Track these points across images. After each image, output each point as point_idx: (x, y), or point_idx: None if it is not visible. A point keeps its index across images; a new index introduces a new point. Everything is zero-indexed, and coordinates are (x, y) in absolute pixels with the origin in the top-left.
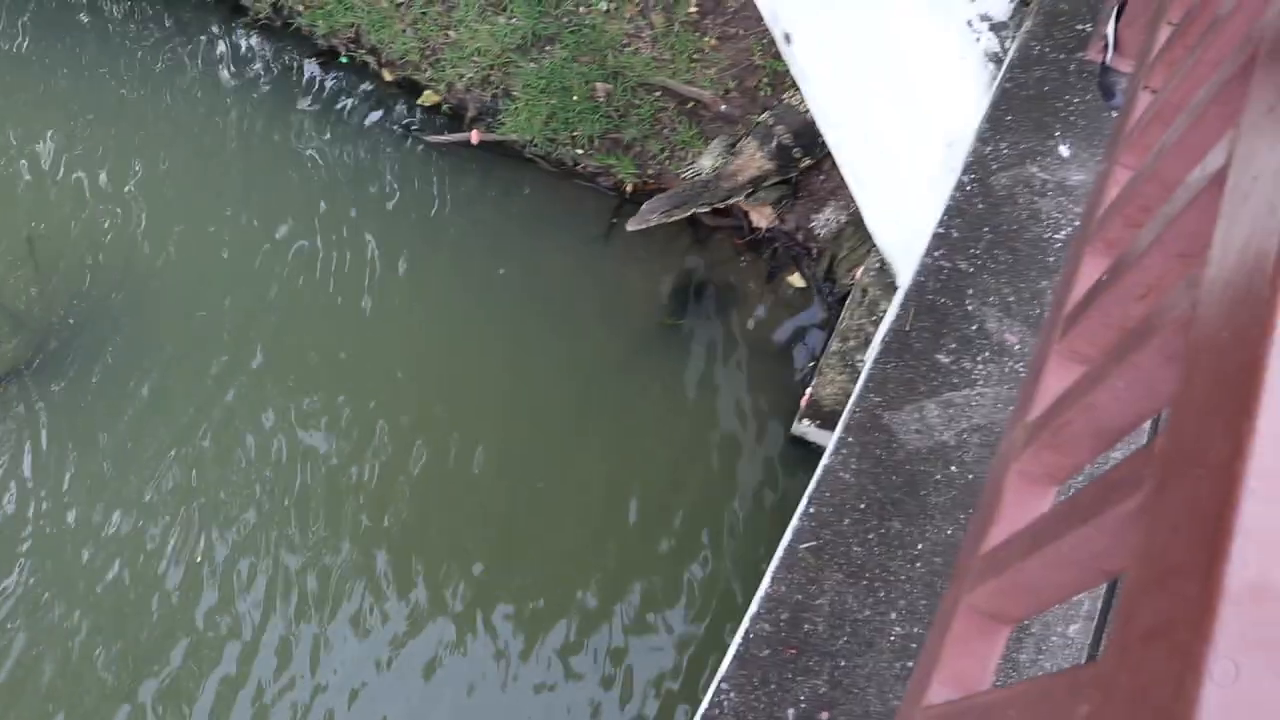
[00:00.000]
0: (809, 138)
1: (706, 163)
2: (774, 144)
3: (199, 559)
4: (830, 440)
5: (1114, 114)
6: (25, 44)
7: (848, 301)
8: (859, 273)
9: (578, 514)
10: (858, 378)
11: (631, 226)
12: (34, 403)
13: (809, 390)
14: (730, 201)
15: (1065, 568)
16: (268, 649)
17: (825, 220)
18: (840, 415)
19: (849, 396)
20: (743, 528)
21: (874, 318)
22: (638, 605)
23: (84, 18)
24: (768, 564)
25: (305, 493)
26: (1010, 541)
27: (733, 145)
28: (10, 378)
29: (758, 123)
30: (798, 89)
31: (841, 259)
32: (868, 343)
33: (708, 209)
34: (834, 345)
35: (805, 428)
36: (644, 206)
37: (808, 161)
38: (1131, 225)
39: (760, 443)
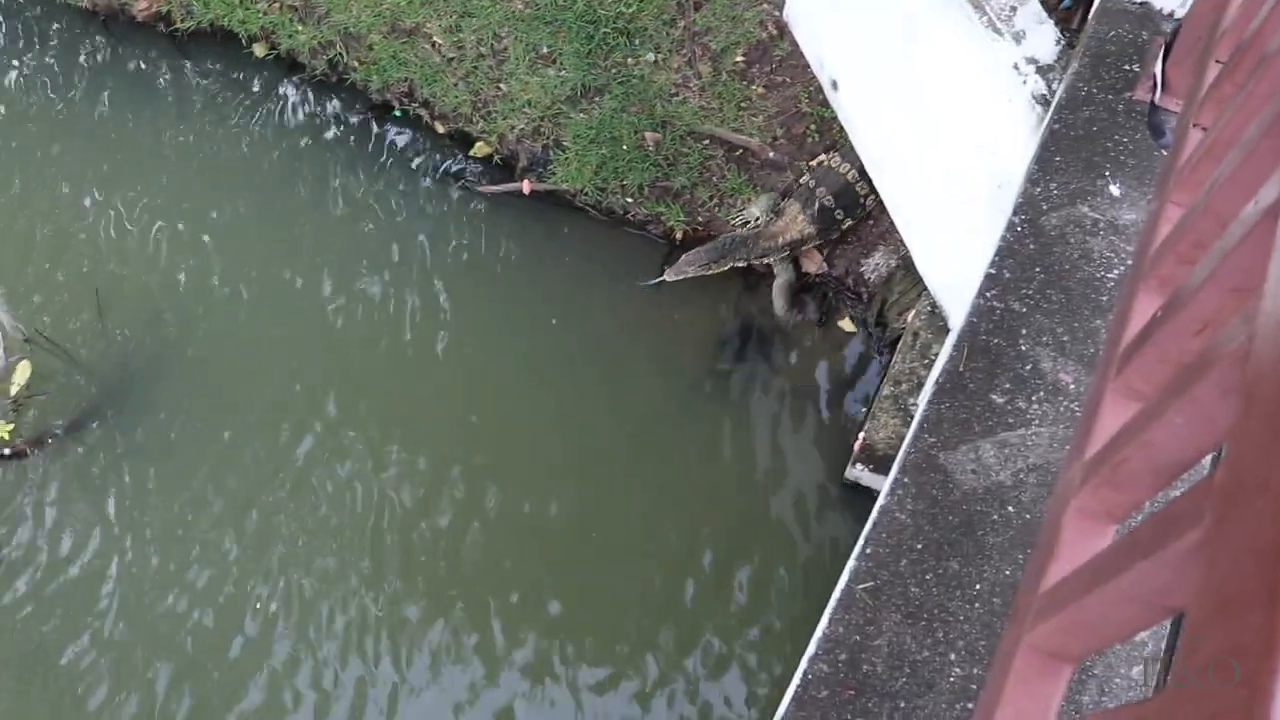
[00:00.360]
0: (849, 199)
1: (755, 211)
2: (816, 207)
3: (275, 606)
4: (885, 481)
5: (1164, 152)
6: (98, 105)
7: (899, 345)
8: (910, 316)
9: (633, 559)
10: (911, 421)
11: (669, 277)
12: (111, 452)
13: (862, 435)
14: (766, 260)
15: (1126, 604)
16: (344, 693)
17: (875, 265)
18: (894, 459)
19: (903, 440)
20: (798, 572)
21: (926, 361)
22: (693, 648)
23: (151, 78)
24: (823, 605)
25: (377, 538)
26: (1070, 578)
27: (777, 205)
28: (84, 427)
29: (799, 185)
30: (834, 151)
31: (892, 303)
32: (920, 386)
33: (744, 264)
34: (886, 389)
35: (859, 472)
36: (682, 258)
37: (849, 222)
38: (1185, 262)
39: (814, 488)
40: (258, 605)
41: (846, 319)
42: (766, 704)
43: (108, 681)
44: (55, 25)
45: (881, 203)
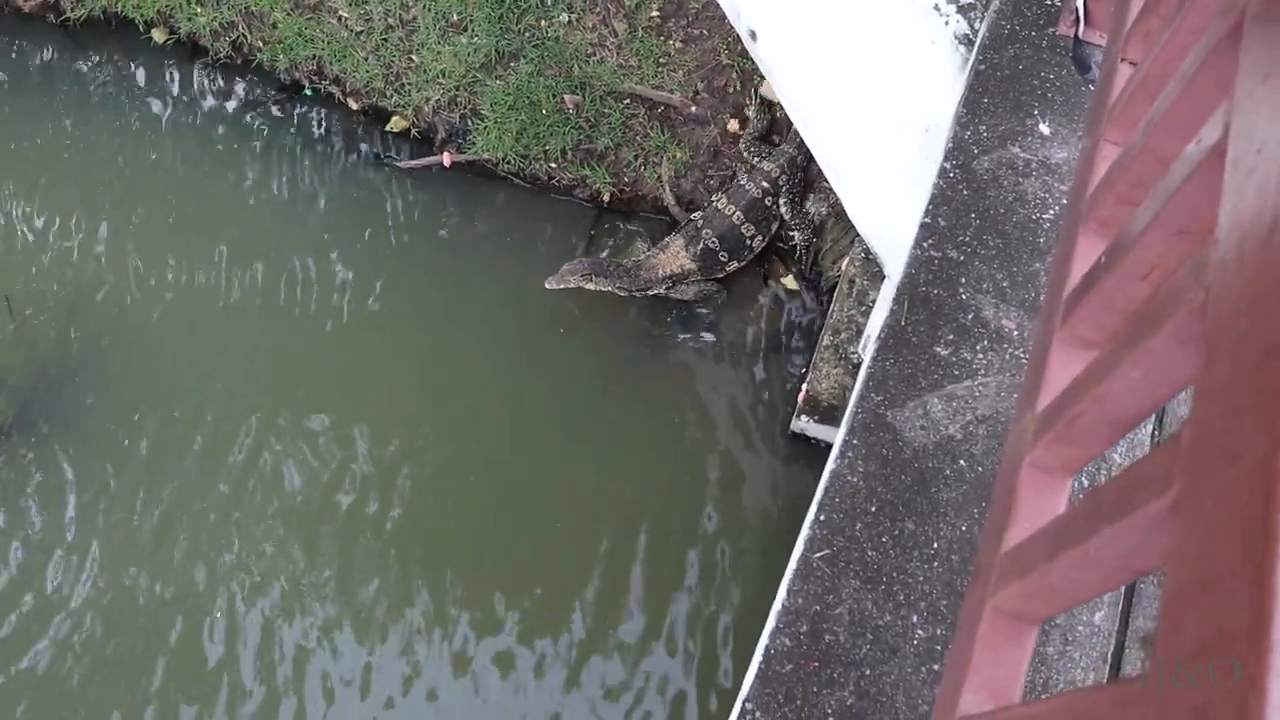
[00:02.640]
0: (734, 241)
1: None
2: (700, 246)
3: (225, 603)
4: (835, 442)
5: (1091, 88)
6: None
7: (836, 293)
8: (845, 264)
9: (579, 535)
10: (853, 370)
11: (549, 285)
12: (43, 459)
13: (805, 386)
14: (649, 292)
15: (1092, 568)
16: (303, 670)
17: (806, 214)
18: (838, 409)
19: (845, 390)
20: (751, 532)
21: (864, 308)
22: (649, 624)
23: (47, 73)
24: (781, 566)
25: (325, 521)
26: (1033, 541)
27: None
28: (10, 437)
29: (689, 221)
30: (723, 193)
31: (826, 251)
32: (860, 334)
33: (625, 294)
34: (826, 339)
35: (804, 424)
36: (564, 267)
37: (734, 265)
38: (1125, 202)
39: (761, 443)
40: (217, 614)
41: (789, 277)
42: (730, 680)
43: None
44: None
45: (773, 238)
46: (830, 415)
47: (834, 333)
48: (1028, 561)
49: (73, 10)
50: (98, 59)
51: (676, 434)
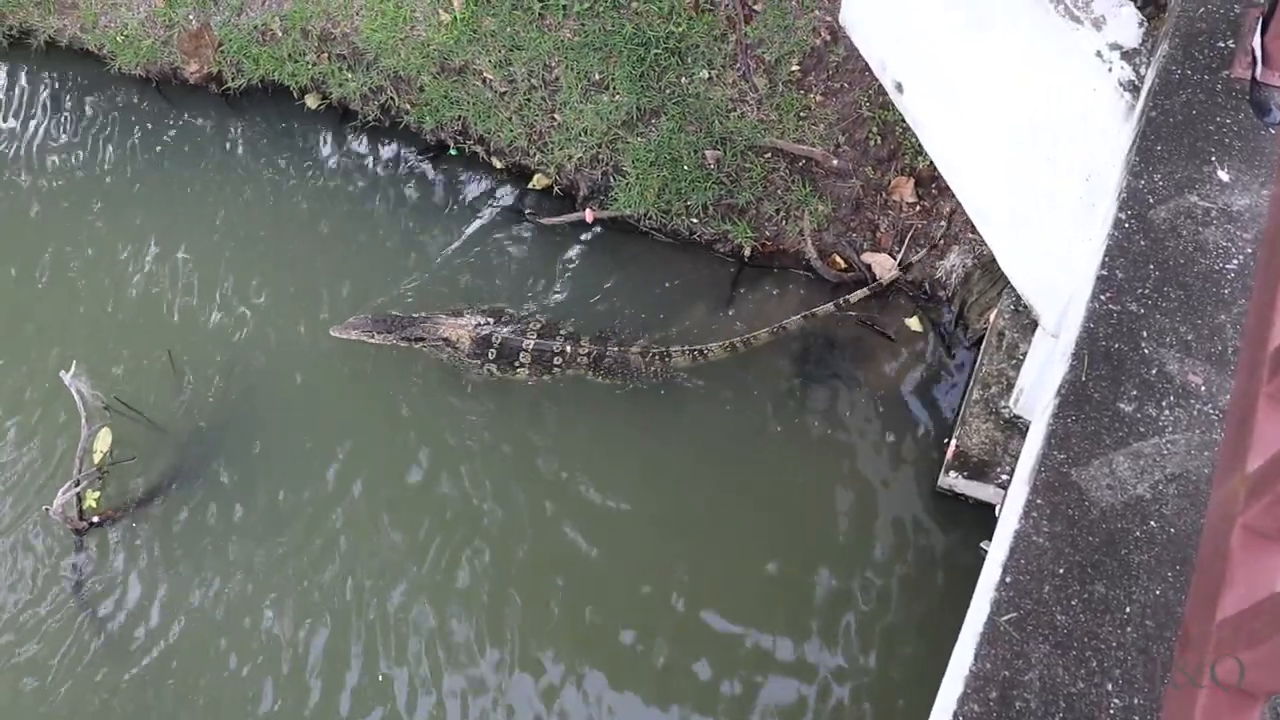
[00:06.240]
0: (509, 355)
1: None
2: (485, 333)
3: (377, 658)
4: (1016, 502)
5: (1273, 130)
6: (158, 170)
7: (984, 346)
8: (992, 316)
9: (728, 596)
10: (1003, 424)
11: (333, 332)
12: (200, 509)
13: (953, 442)
14: (421, 345)
15: None
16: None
17: (951, 266)
18: (989, 465)
19: (997, 445)
20: (905, 592)
21: (1014, 361)
22: (797, 669)
23: (209, 139)
24: (941, 625)
25: (483, 575)
26: (1261, 610)
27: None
28: (170, 487)
29: (507, 312)
30: (540, 319)
31: (972, 303)
32: (1010, 387)
33: (405, 345)
34: (975, 393)
35: (953, 480)
36: (351, 320)
37: (491, 368)
38: None
39: (906, 501)
40: (358, 658)
41: (913, 318)
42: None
43: None
44: (110, 94)
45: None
46: (981, 471)
47: (983, 386)
48: (1257, 631)
49: (233, 80)
50: (255, 125)
51: (822, 489)
